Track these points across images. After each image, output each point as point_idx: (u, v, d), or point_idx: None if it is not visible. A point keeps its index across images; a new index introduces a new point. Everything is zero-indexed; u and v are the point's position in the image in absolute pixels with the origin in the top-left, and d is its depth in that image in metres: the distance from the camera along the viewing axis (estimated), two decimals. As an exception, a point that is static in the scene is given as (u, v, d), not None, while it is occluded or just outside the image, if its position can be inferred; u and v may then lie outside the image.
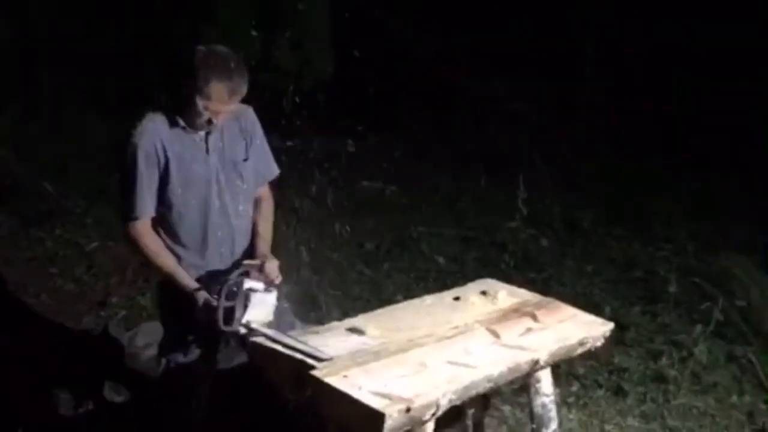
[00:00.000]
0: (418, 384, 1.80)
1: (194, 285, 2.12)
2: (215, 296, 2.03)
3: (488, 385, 2.00)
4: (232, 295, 2.02)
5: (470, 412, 2.48)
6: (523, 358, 2.03)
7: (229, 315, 2.01)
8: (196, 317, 2.08)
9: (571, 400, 3.12)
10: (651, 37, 7.22)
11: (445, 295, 2.49)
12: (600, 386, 3.20)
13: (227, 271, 2.13)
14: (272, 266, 2.19)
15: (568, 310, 2.39)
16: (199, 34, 6.01)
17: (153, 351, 3.22)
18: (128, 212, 2.13)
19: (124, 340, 3.28)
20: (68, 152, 5.33)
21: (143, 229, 2.14)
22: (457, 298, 2.43)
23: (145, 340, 3.29)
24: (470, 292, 2.52)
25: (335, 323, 2.17)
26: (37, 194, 4.82)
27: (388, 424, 1.65)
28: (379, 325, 2.14)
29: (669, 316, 3.65)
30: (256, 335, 2.00)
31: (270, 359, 1.97)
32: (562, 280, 4.24)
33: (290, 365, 1.91)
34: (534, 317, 2.28)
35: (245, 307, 2.01)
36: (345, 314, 2.33)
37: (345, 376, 1.80)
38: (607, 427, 2.95)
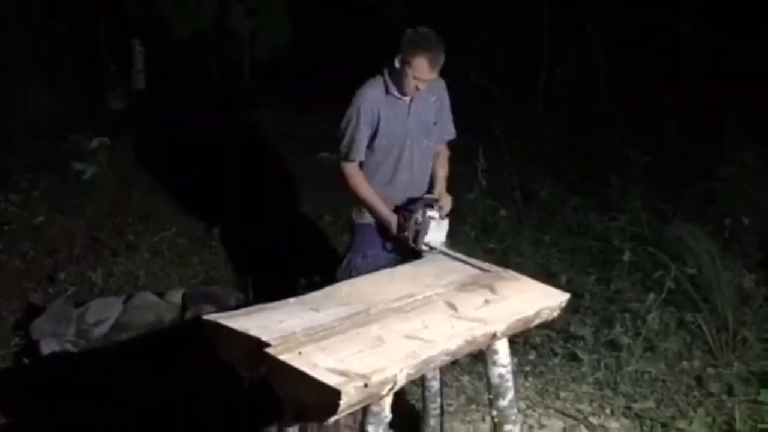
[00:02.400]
0: (375, 359, 1.78)
1: (389, 212, 2.71)
2: (407, 221, 2.62)
3: (446, 359, 2.00)
4: (416, 222, 2.60)
5: (428, 381, 2.48)
6: (480, 331, 2.03)
7: (416, 235, 2.60)
8: (390, 236, 2.70)
9: (527, 368, 3.17)
10: (610, 11, 7.25)
11: (402, 268, 2.48)
12: (555, 354, 3.26)
13: (412, 202, 2.69)
14: (446, 200, 2.76)
15: (526, 282, 2.40)
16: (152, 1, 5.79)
17: (104, 328, 3.15)
18: (348, 155, 2.73)
19: (73, 316, 3.19)
20: (11, 123, 5.10)
21: (355, 169, 2.75)
22: (414, 271, 2.42)
23: (96, 317, 3.21)
24: (428, 264, 2.51)
25: (291, 299, 2.13)
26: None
27: (345, 400, 1.63)
28: (335, 299, 2.12)
29: (623, 284, 3.72)
30: (435, 252, 2.57)
31: (223, 337, 1.93)
32: (521, 249, 4.27)
33: (244, 343, 1.87)
34: (491, 289, 2.28)
35: (426, 231, 2.57)
36: (303, 288, 2.28)
37: (300, 353, 1.77)
38: (563, 394, 3.01)
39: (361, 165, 2.78)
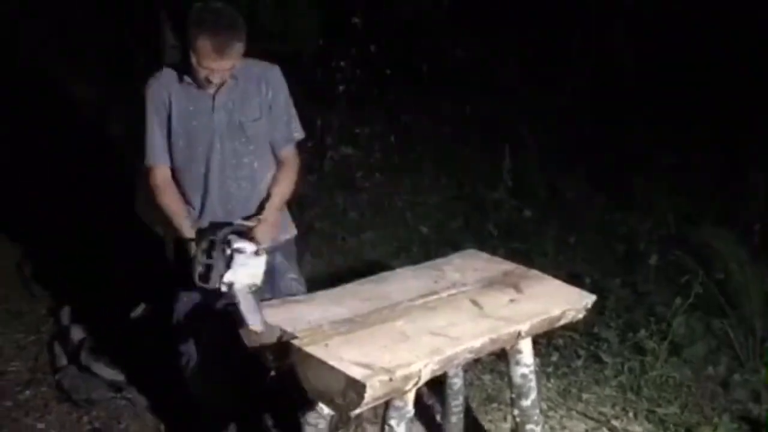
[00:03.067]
0: (399, 354, 1.79)
1: (188, 234, 2.13)
2: (197, 250, 2.01)
3: (470, 356, 2.00)
4: (211, 254, 1.99)
5: (451, 378, 2.49)
6: (505, 330, 2.03)
7: (207, 272, 1.98)
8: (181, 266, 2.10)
9: (550, 369, 3.16)
10: (639, 12, 7.17)
11: (428, 265, 2.48)
12: (579, 356, 3.24)
13: (219, 227, 2.07)
14: (264, 230, 2.15)
15: (551, 282, 2.40)
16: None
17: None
18: (143, 160, 2.19)
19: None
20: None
21: (161, 177, 2.19)
22: (440, 269, 2.42)
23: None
24: (453, 262, 2.51)
25: (318, 293, 2.15)
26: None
27: (369, 393, 1.65)
28: (361, 295, 2.13)
29: (649, 287, 3.68)
30: (232, 298, 1.96)
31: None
32: (545, 250, 4.25)
33: (272, 333, 1.89)
34: (517, 288, 2.28)
35: (228, 266, 1.96)
36: (327, 283, 2.31)
37: (326, 345, 1.79)
38: (585, 396, 2.99)
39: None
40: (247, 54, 2.13)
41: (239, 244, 1.99)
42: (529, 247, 4.31)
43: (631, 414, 2.88)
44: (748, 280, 3.34)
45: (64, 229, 3.94)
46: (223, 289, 1.97)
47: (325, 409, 2.02)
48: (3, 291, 3.56)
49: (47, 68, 5.68)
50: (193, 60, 2.04)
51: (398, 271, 2.44)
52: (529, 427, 2.29)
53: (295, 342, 1.80)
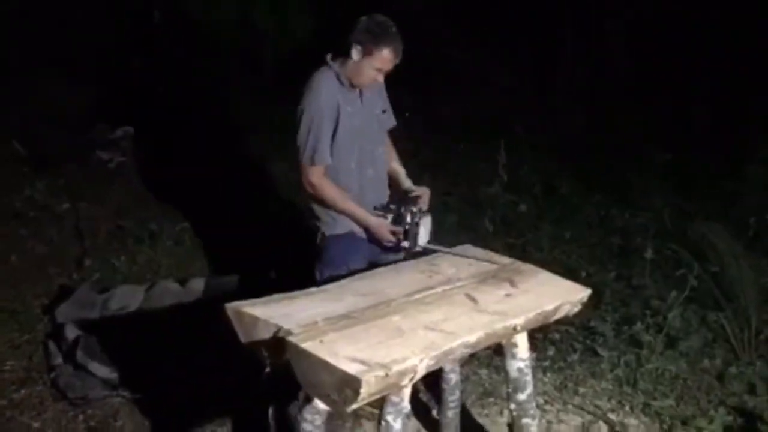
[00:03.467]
0: (395, 350, 1.79)
1: (376, 219, 2.51)
2: (400, 223, 2.47)
3: (465, 351, 2.00)
4: (408, 223, 2.46)
5: (447, 373, 2.49)
6: (500, 324, 2.03)
7: (412, 237, 2.47)
8: (381, 242, 2.52)
9: (546, 363, 3.16)
10: (631, 10, 7.18)
11: (423, 260, 2.48)
12: (575, 350, 3.24)
13: (392, 202, 2.55)
14: (426, 193, 2.60)
15: (546, 276, 2.40)
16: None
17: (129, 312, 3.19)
18: (313, 158, 2.45)
19: (97, 303, 3.24)
20: (35, 114, 5.18)
21: (321, 175, 2.48)
22: (435, 264, 2.42)
23: (119, 303, 3.25)
24: (449, 257, 2.51)
25: (313, 289, 2.15)
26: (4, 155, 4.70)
27: (365, 389, 1.65)
28: (356, 290, 2.13)
29: (644, 281, 3.68)
30: (428, 250, 2.49)
31: (246, 324, 1.95)
32: (540, 245, 4.26)
33: (266, 330, 1.89)
34: (512, 283, 2.28)
35: (418, 230, 2.47)
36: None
37: (322, 341, 1.78)
38: (582, 390, 2.99)
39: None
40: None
41: (415, 208, 2.49)
42: (524, 241, 4.31)
43: (627, 407, 2.89)
44: (744, 273, 3.34)
45: (56, 227, 3.93)
46: (418, 248, 2.48)
47: (321, 405, 2.01)
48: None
49: (40, 72, 5.66)
50: (370, 64, 2.41)
51: (393, 266, 2.44)
52: (525, 420, 2.30)
53: (291, 338, 1.79)
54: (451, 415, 2.54)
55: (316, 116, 2.43)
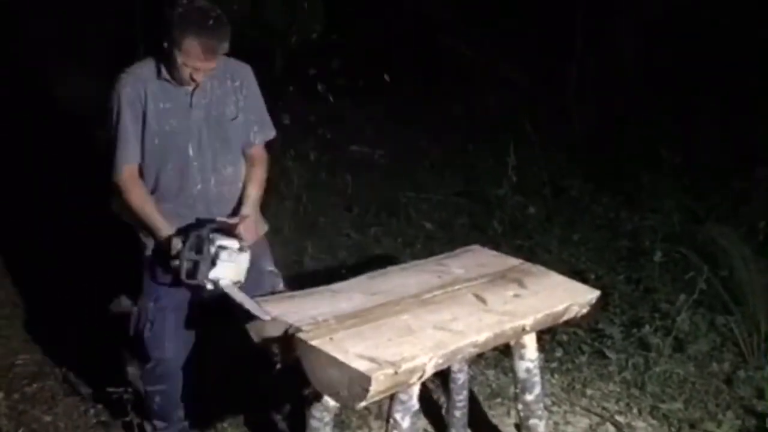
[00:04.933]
0: (404, 348, 1.80)
1: (168, 232, 2.11)
2: (184, 247, 2.02)
3: (474, 351, 2.01)
4: (200, 250, 2.01)
5: (455, 373, 2.50)
6: (509, 325, 2.04)
7: (194, 268, 2.00)
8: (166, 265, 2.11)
9: (554, 365, 3.16)
10: (642, 8, 7.15)
11: (432, 261, 2.49)
12: (583, 352, 3.24)
13: (201, 225, 2.09)
14: (249, 227, 2.18)
15: (555, 277, 2.40)
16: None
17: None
18: (112, 158, 2.13)
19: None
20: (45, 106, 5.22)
21: (130, 176, 2.14)
22: (444, 264, 2.43)
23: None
24: (457, 257, 2.52)
25: (323, 287, 2.16)
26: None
27: (374, 387, 1.66)
28: (366, 289, 2.14)
29: (653, 284, 3.68)
30: (220, 293, 2.00)
31: (257, 321, 1.97)
32: (549, 247, 4.26)
33: (277, 327, 1.91)
34: (521, 284, 2.29)
35: (213, 263, 1.99)
36: (332, 278, 2.32)
37: (331, 339, 1.80)
38: (589, 391, 2.99)
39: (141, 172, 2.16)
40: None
41: (224, 241, 2.02)
42: (533, 243, 4.31)
43: (635, 410, 2.88)
44: (753, 276, 3.33)
45: (65, 225, 3.97)
46: (209, 286, 2.00)
47: (330, 402, 2.03)
48: (9, 284, 3.58)
49: (49, 62, 5.70)
50: (178, 59, 2.01)
51: (403, 266, 2.45)
52: (532, 421, 2.31)
53: (301, 336, 1.81)
54: (458, 414, 2.55)
55: (115, 108, 2.10)
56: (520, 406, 2.31)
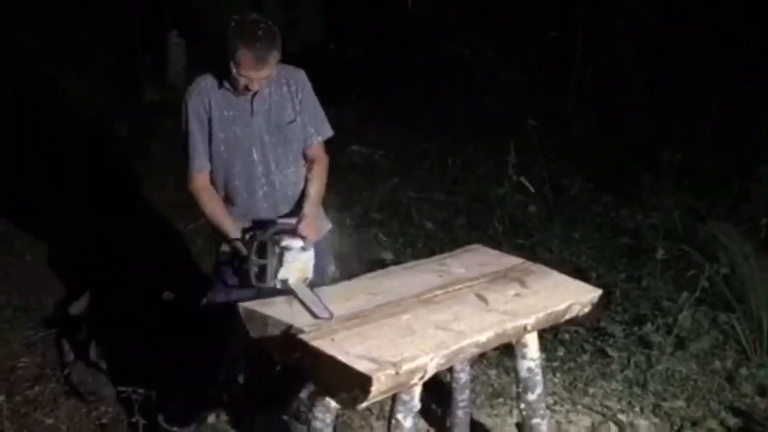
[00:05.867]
0: (405, 348, 1.80)
1: (235, 235, 2.23)
2: (250, 250, 2.13)
3: (475, 351, 2.01)
4: (264, 254, 2.11)
5: (457, 373, 2.50)
6: (510, 324, 2.04)
7: (262, 272, 2.11)
8: (234, 267, 2.25)
9: (556, 364, 3.16)
10: (643, 10, 7.16)
11: (433, 260, 2.49)
12: (585, 351, 3.24)
13: (263, 226, 2.21)
14: (311, 226, 2.25)
15: (556, 276, 2.40)
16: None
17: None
18: (185, 167, 2.28)
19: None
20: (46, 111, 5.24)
21: (201, 181, 2.28)
22: (445, 264, 2.43)
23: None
24: (458, 257, 2.52)
25: (324, 288, 2.16)
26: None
27: (376, 387, 1.66)
28: (367, 290, 2.14)
29: (655, 282, 3.68)
30: (289, 292, 2.07)
31: (257, 323, 1.97)
32: (549, 246, 4.25)
33: (278, 328, 1.91)
34: (522, 283, 2.29)
35: (280, 264, 2.09)
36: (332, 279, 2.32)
37: (333, 340, 1.80)
38: (591, 390, 2.99)
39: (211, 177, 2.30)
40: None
41: (287, 241, 2.11)
42: (534, 242, 4.31)
43: (637, 408, 2.88)
44: (755, 274, 3.32)
45: (70, 226, 3.97)
46: (279, 286, 2.09)
47: (332, 403, 2.03)
48: (11, 287, 3.58)
49: (51, 67, 5.71)
50: (234, 69, 2.14)
51: (404, 266, 2.45)
52: (535, 421, 2.30)
53: (302, 336, 1.81)
54: (460, 414, 2.55)
55: (184, 118, 2.24)
56: (522, 406, 2.31)
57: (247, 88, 2.19)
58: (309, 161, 2.40)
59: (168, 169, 4.94)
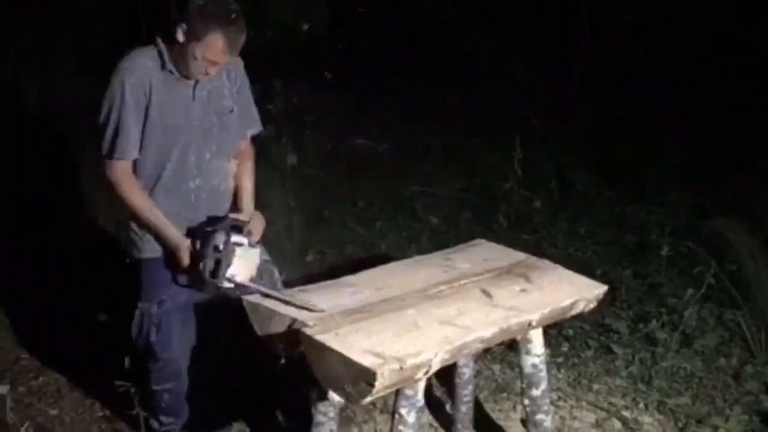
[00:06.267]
0: (410, 343, 1.79)
1: (180, 236, 2.10)
2: (204, 248, 2.02)
3: (480, 346, 2.00)
4: (216, 249, 2.01)
5: (461, 368, 2.49)
6: (515, 320, 2.03)
7: (216, 268, 2.01)
8: (180, 268, 2.10)
9: (560, 360, 3.15)
10: (649, 3, 7.11)
11: (437, 255, 2.48)
12: (589, 347, 3.23)
13: (210, 223, 2.09)
14: (257, 222, 2.18)
15: (562, 272, 2.39)
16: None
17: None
18: (112, 151, 2.05)
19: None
20: (48, 104, 5.22)
21: (126, 173, 2.08)
22: (450, 259, 2.42)
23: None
24: (463, 252, 2.51)
25: (327, 282, 2.16)
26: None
27: (380, 382, 1.65)
28: (371, 284, 2.13)
29: (660, 278, 3.66)
30: (241, 290, 2.01)
31: (262, 317, 1.96)
32: (555, 241, 4.24)
33: (282, 322, 1.90)
34: (527, 278, 2.27)
35: (230, 261, 2.01)
36: (337, 272, 2.31)
37: (337, 334, 1.79)
38: (596, 386, 2.98)
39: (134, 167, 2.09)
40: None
41: (237, 238, 2.03)
42: (539, 238, 4.30)
43: (641, 405, 2.87)
44: (761, 270, 3.31)
45: (72, 220, 3.97)
46: (226, 284, 2.01)
47: (335, 398, 2.02)
48: (14, 278, 3.58)
49: (53, 58, 5.69)
50: (197, 52, 1.98)
51: (408, 260, 2.44)
52: (539, 417, 2.30)
53: (306, 330, 1.80)
54: (464, 409, 2.55)
55: (117, 99, 2.01)
56: (526, 401, 2.30)
57: (205, 74, 2.02)
58: (240, 154, 2.26)
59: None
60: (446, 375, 2.60)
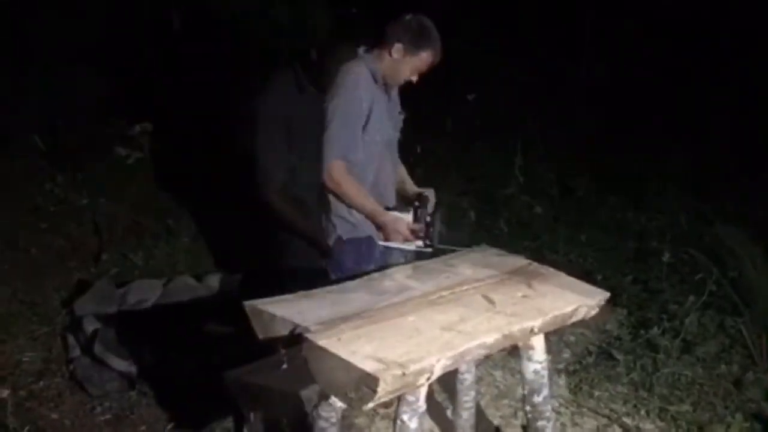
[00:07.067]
0: (412, 349, 1.78)
1: (391, 213, 2.50)
2: (419, 221, 2.52)
3: (482, 352, 1.99)
4: (428, 218, 2.53)
5: (462, 374, 2.49)
6: (517, 326, 2.02)
7: (431, 233, 2.54)
8: (396, 239, 2.51)
9: (561, 366, 3.15)
10: (650, 7, 7.13)
11: (439, 261, 2.48)
12: (590, 353, 3.23)
13: (405, 202, 2.58)
14: (433, 195, 2.62)
15: (564, 278, 2.38)
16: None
17: (146, 307, 3.23)
18: (344, 151, 2.39)
19: (115, 296, 3.27)
20: (57, 106, 5.22)
21: (345, 170, 2.42)
22: (451, 264, 2.42)
23: (137, 297, 3.28)
24: (465, 258, 2.51)
25: (329, 287, 2.15)
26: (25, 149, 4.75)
27: (382, 388, 1.65)
28: (373, 290, 2.13)
29: (661, 285, 3.66)
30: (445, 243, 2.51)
31: (264, 322, 1.96)
32: (555, 247, 4.24)
33: (284, 327, 1.90)
34: (529, 284, 2.27)
35: (438, 226, 2.54)
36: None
37: (339, 339, 1.79)
38: (597, 393, 2.98)
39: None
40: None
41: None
42: (540, 243, 4.30)
43: (642, 411, 2.87)
44: (762, 277, 3.31)
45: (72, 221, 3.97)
46: (439, 245, 2.52)
47: (337, 403, 2.02)
48: (17, 282, 3.59)
49: (53, 58, 5.70)
50: (410, 65, 2.41)
51: (410, 266, 2.43)
52: (540, 423, 2.29)
53: (308, 335, 1.80)
54: (465, 416, 2.54)
55: (351, 104, 2.37)
56: (527, 408, 2.29)
57: (411, 82, 2.46)
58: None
59: (177, 165, 4.94)
60: (448, 381, 2.60)
